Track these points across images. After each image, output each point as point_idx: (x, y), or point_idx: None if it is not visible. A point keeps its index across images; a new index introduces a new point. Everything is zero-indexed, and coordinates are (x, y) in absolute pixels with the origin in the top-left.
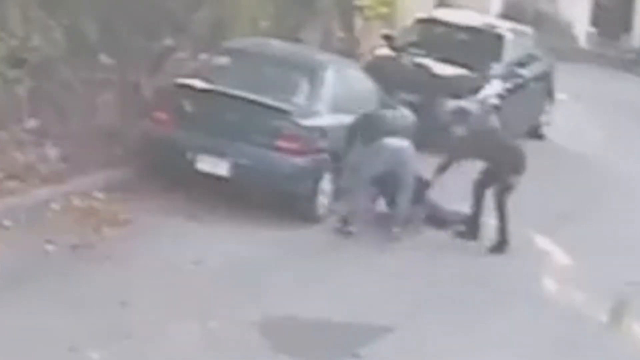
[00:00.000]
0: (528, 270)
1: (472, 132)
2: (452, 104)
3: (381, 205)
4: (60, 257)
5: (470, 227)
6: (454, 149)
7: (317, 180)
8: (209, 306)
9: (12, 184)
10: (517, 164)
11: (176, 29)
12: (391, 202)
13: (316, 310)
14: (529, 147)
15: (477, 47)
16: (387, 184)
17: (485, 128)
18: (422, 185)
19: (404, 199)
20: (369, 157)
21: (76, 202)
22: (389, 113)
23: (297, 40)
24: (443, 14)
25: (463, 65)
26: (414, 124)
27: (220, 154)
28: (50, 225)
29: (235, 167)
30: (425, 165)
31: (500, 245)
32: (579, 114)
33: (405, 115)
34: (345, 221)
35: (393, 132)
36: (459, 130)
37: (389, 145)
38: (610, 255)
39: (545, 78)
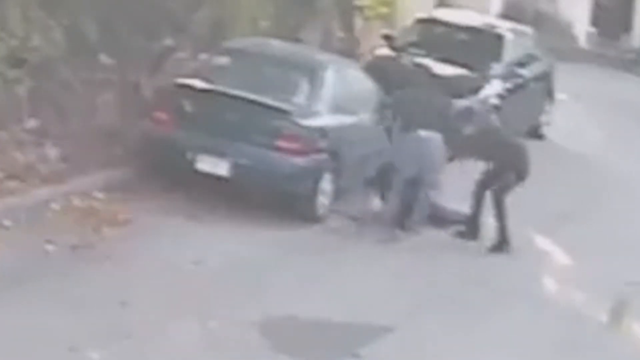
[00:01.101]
0: (528, 270)
1: (477, 130)
2: (459, 104)
3: (378, 205)
4: (60, 257)
5: (471, 227)
6: (458, 147)
7: (317, 180)
8: (209, 306)
9: (12, 184)
10: (519, 163)
11: (176, 29)
12: (413, 197)
13: (316, 310)
14: (529, 147)
15: (477, 47)
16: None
17: (490, 127)
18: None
19: (425, 195)
20: (407, 154)
21: (76, 202)
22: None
23: (297, 40)
24: (443, 14)
25: (463, 65)
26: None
27: (220, 154)
28: (50, 225)
29: (235, 167)
30: None
31: (501, 245)
32: (579, 114)
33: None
34: (353, 219)
35: (429, 120)
36: (468, 130)
37: (421, 141)
38: (610, 255)
39: (545, 78)
